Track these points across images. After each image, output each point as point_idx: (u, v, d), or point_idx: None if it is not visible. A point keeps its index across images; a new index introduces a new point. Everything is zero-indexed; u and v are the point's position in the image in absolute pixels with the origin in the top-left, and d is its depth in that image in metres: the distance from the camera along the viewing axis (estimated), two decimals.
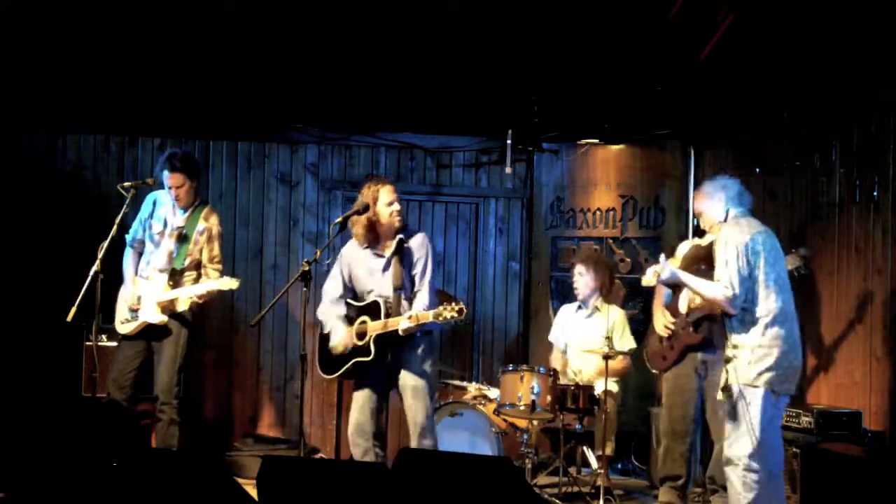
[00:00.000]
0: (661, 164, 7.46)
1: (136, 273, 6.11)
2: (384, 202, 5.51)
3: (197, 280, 6.05)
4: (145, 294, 5.99)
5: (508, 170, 7.54)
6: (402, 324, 5.27)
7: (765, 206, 6.63)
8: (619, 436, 6.49)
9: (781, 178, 6.52)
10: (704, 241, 5.33)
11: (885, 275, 5.69)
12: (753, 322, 4.82)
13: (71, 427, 4.55)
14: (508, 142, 7.47)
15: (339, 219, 5.61)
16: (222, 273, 6.06)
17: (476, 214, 7.95)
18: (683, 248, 5.81)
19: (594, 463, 6.34)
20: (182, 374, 6.00)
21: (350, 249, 5.70)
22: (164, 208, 6.12)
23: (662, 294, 5.96)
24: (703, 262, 5.34)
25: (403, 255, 5.53)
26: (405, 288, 5.50)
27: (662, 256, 5.29)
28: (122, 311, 6.07)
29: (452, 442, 6.27)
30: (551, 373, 6.03)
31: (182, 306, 5.95)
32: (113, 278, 6.06)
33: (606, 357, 5.98)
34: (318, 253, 5.52)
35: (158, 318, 5.93)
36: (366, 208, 5.51)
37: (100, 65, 6.74)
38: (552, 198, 7.88)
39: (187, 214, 6.09)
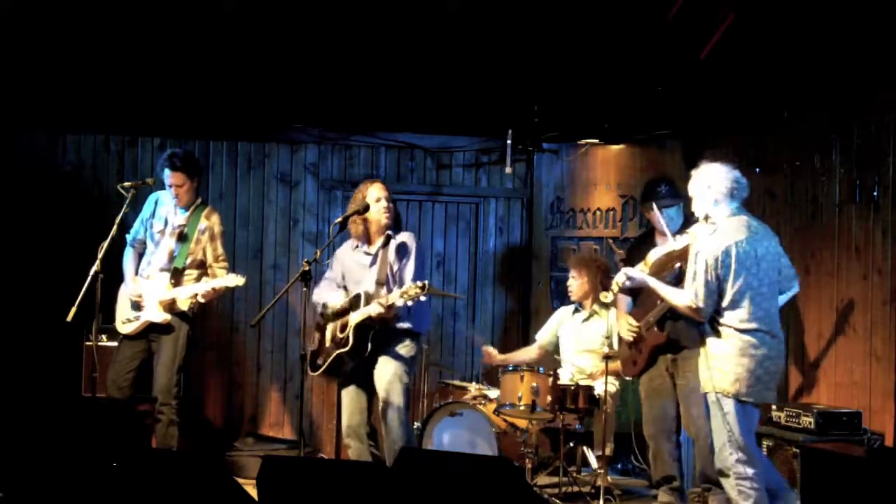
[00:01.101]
0: (661, 164, 7.46)
1: (136, 273, 6.12)
2: (372, 199, 5.66)
3: (198, 279, 6.05)
4: (147, 293, 5.99)
5: (508, 170, 7.54)
6: (373, 307, 5.34)
7: (765, 206, 6.63)
8: (618, 436, 6.49)
9: (781, 178, 6.51)
10: (679, 245, 5.17)
11: (885, 275, 5.68)
12: (725, 331, 4.82)
13: (71, 427, 4.55)
14: (508, 142, 7.48)
15: (339, 219, 5.69)
16: (228, 271, 6.07)
17: (476, 214, 7.95)
18: (655, 255, 5.49)
19: (594, 463, 6.34)
20: (181, 375, 6.00)
21: (343, 250, 5.84)
22: (165, 208, 6.13)
23: (624, 301, 5.98)
24: (677, 262, 5.28)
25: (390, 250, 5.61)
26: (388, 283, 5.56)
27: (626, 268, 5.31)
28: (123, 311, 6.07)
29: (452, 442, 6.27)
30: (551, 373, 6.03)
31: (183, 305, 5.96)
32: (113, 278, 6.06)
33: (607, 357, 5.98)
34: (318, 253, 5.56)
35: (161, 316, 5.94)
36: (366, 208, 5.62)
37: (100, 65, 6.74)
38: (552, 198, 7.88)
39: (188, 214, 6.10)
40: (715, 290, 4.79)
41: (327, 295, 5.78)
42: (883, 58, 5.59)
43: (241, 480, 4.09)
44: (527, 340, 7.49)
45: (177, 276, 6.01)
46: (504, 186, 7.92)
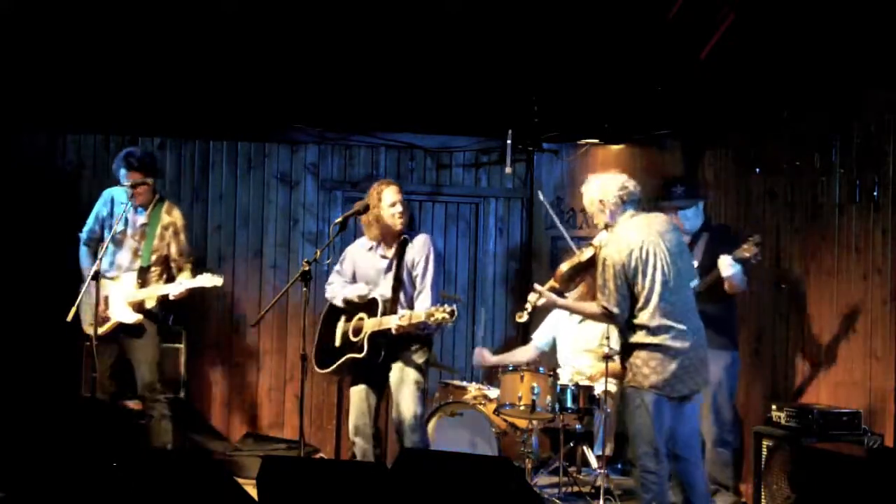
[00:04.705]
0: (661, 164, 7.45)
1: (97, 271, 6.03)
2: (387, 203, 5.59)
3: (163, 275, 6.01)
4: (114, 294, 5.95)
5: (508, 170, 7.54)
6: (393, 321, 5.32)
7: (765, 206, 6.63)
8: (618, 436, 6.49)
9: (781, 178, 6.51)
10: (584, 256, 5.25)
11: (885, 275, 5.68)
12: (639, 329, 4.91)
13: (70, 427, 4.55)
14: (508, 142, 7.48)
15: (340, 219, 5.66)
16: (194, 266, 6.03)
17: (476, 214, 7.95)
18: (563, 268, 5.45)
19: (594, 463, 6.34)
20: (162, 370, 5.99)
21: (356, 248, 5.77)
22: (123, 206, 6.03)
23: None
24: (586, 274, 5.32)
25: (405, 256, 5.55)
26: (405, 289, 5.53)
27: (536, 285, 5.31)
28: (88, 313, 5.91)
29: (452, 442, 6.27)
30: (551, 373, 6.03)
31: (150, 303, 5.92)
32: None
33: (606, 357, 5.98)
34: (318, 253, 5.55)
35: (132, 317, 5.90)
36: (366, 208, 5.56)
37: (100, 65, 6.73)
38: (552, 198, 7.88)
39: (148, 211, 6.06)
40: (627, 295, 4.89)
41: (351, 289, 5.69)
42: (882, 58, 5.58)
43: (241, 480, 4.09)
44: (527, 341, 7.50)
45: (143, 275, 5.97)
46: (504, 186, 7.92)
